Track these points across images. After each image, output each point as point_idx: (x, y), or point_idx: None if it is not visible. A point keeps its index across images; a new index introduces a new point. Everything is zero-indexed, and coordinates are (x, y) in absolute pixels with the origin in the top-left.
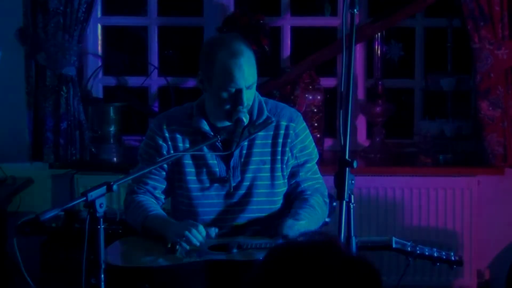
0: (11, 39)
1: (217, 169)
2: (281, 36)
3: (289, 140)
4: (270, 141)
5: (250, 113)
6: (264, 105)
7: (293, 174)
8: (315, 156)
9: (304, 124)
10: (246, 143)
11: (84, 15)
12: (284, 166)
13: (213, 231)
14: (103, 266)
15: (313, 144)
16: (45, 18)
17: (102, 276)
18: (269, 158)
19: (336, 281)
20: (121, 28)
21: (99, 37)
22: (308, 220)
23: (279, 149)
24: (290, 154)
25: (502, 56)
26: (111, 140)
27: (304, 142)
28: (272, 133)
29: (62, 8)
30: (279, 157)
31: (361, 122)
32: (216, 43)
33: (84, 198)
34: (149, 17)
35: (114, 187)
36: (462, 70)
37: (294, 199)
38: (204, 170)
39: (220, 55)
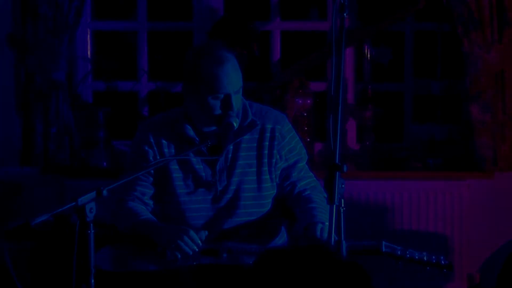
0: (1, 43)
1: (203, 174)
2: (271, 41)
3: (276, 143)
4: (255, 145)
5: (237, 116)
6: (248, 108)
7: (286, 177)
8: (304, 155)
9: (290, 125)
10: (231, 147)
11: (74, 19)
12: (273, 168)
13: (203, 234)
14: (93, 271)
15: (301, 144)
16: (34, 23)
17: (92, 281)
18: (255, 161)
19: (326, 285)
20: (111, 33)
21: (89, 41)
22: (326, 220)
23: (266, 152)
24: (278, 157)
25: (492, 60)
26: (101, 145)
27: (291, 144)
28: (257, 136)
29: (51, 13)
30: (266, 160)
31: (351, 126)
32: (200, 52)
33: (74, 203)
34: (138, 21)
35: (104, 192)
36: (452, 74)
37: (293, 200)
38: (191, 175)
39: (205, 64)
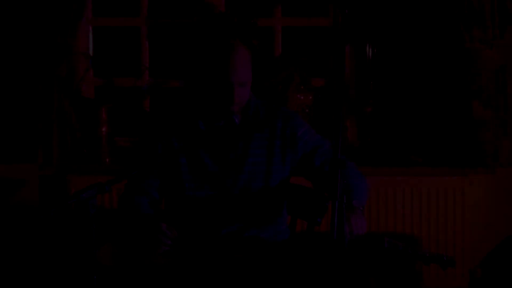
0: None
1: (212, 169)
2: (272, 36)
3: (287, 141)
4: (266, 143)
5: (246, 114)
6: (259, 106)
7: (310, 165)
8: (324, 140)
9: (300, 120)
10: (241, 144)
11: (75, 15)
12: (286, 166)
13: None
14: (95, 266)
15: (315, 133)
16: (35, 19)
17: (95, 276)
18: (265, 159)
19: (327, 280)
20: (113, 28)
21: (90, 37)
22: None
23: (276, 150)
24: (292, 154)
25: (494, 56)
26: (103, 141)
27: (304, 137)
28: (268, 135)
29: (53, 8)
30: (276, 159)
31: (352, 122)
32: (210, 40)
33: (76, 199)
34: (140, 18)
35: (106, 187)
36: (454, 69)
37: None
38: (199, 170)
39: (213, 51)
